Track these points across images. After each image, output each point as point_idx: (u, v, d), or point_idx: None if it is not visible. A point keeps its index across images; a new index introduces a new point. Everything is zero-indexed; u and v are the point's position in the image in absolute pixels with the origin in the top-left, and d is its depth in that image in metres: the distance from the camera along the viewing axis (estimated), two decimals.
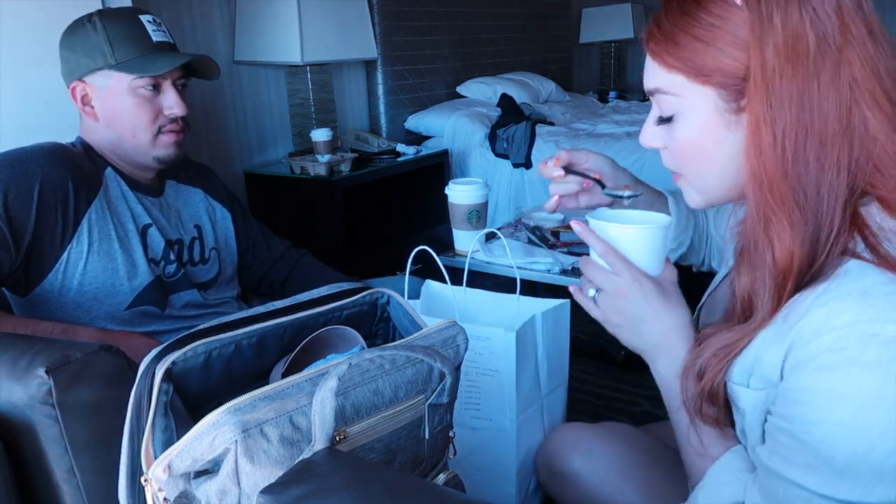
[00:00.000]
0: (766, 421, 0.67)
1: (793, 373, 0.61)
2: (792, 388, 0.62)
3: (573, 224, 0.82)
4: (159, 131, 1.22)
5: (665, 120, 0.72)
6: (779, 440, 0.64)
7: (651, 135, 0.75)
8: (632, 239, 0.79)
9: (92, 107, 1.21)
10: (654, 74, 0.70)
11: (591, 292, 0.80)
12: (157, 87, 1.21)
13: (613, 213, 0.88)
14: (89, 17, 1.20)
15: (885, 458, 0.56)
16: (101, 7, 1.55)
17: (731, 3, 0.64)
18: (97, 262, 1.15)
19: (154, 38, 1.21)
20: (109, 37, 1.18)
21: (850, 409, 0.57)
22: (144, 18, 1.21)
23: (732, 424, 0.74)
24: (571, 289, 0.84)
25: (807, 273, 0.62)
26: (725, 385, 0.70)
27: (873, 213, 0.63)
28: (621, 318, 0.78)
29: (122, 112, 1.20)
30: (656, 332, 0.77)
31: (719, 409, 0.72)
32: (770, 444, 0.65)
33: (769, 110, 0.62)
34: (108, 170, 1.22)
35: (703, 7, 0.66)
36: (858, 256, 0.61)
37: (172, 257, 1.25)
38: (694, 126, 0.69)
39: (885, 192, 0.62)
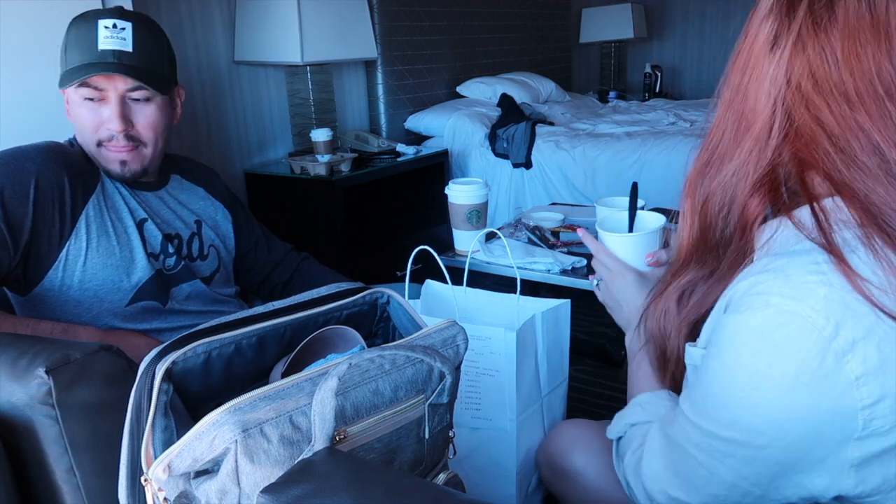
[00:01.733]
0: None
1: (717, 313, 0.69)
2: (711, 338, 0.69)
3: (578, 231, 1.09)
4: (99, 145, 1.18)
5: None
6: (688, 383, 0.73)
7: None
8: (620, 243, 1.02)
9: (69, 106, 1.21)
10: None
11: (595, 281, 1.04)
12: (101, 98, 1.16)
13: (619, 216, 1.10)
14: (72, 19, 1.19)
15: (743, 409, 0.63)
16: (100, 7, 1.56)
17: None
18: (96, 259, 1.15)
19: (100, 46, 1.14)
20: (67, 42, 1.16)
21: (728, 361, 0.63)
22: (103, 23, 1.15)
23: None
24: (591, 278, 1.06)
25: (715, 224, 0.71)
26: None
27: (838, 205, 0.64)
28: (611, 301, 1.00)
29: (75, 119, 1.19)
30: (631, 311, 0.96)
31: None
32: (684, 387, 0.75)
33: (722, 96, 0.69)
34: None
35: None
36: (801, 228, 0.63)
37: (171, 250, 1.25)
38: None
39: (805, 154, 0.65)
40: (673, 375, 0.82)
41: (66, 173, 1.13)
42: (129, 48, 1.16)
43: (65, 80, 1.15)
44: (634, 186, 1.18)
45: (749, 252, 0.69)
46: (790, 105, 0.63)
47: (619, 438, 0.87)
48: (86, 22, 1.16)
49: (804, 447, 0.61)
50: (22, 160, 1.11)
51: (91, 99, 1.15)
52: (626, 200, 1.15)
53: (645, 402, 0.87)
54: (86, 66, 1.14)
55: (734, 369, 0.63)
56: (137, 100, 1.18)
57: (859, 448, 0.59)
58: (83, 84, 1.14)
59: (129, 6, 1.60)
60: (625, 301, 0.97)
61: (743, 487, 0.66)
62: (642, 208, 1.45)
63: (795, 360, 0.58)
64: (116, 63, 1.14)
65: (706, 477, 0.68)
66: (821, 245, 0.60)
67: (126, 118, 1.17)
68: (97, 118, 1.16)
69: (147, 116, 1.19)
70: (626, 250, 1.01)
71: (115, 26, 1.15)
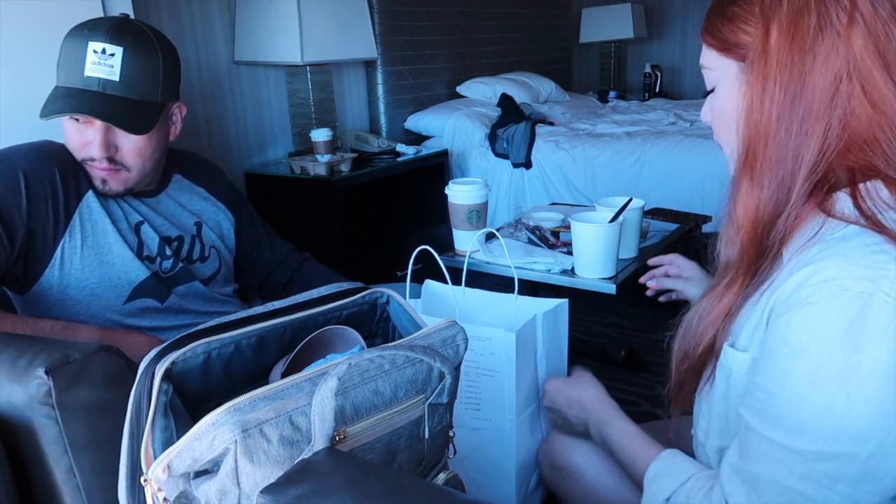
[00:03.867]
0: None
1: (769, 326, 0.65)
2: (767, 340, 0.65)
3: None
4: (83, 163, 1.16)
5: (709, 93, 0.78)
6: (755, 395, 0.66)
7: (704, 110, 0.81)
8: (582, 232, 1.33)
9: None
10: (703, 54, 0.77)
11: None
12: (87, 119, 1.13)
13: (589, 215, 1.39)
14: (69, 31, 1.16)
15: (844, 412, 0.58)
16: (101, 8, 1.56)
17: None
18: (92, 257, 1.15)
19: (86, 72, 1.11)
20: (60, 57, 1.15)
21: (814, 361, 0.59)
22: (93, 47, 1.11)
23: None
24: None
25: (770, 231, 0.68)
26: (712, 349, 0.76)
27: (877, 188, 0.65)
28: (567, 405, 1.04)
29: (64, 132, 1.17)
30: (590, 399, 1.02)
31: (692, 391, 0.80)
32: (748, 400, 0.68)
33: (763, 80, 0.68)
34: None
35: None
36: (845, 219, 0.64)
37: (169, 253, 1.25)
38: (723, 96, 0.74)
39: (860, 163, 0.66)
40: (684, 402, 0.81)
41: (57, 170, 1.13)
42: (116, 77, 1.12)
43: (46, 106, 1.12)
44: (629, 201, 1.38)
45: (779, 254, 0.69)
46: (849, 91, 0.65)
47: None
48: (78, 40, 1.13)
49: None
50: (11, 158, 1.12)
51: (77, 119, 1.14)
52: (624, 200, 1.30)
53: (664, 470, 0.81)
54: (69, 93, 1.12)
55: (822, 369, 0.59)
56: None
57: None
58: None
59: (128, 8, 1.60)
60: (583, 396, 1.02)
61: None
62: (643, 208, 1.53)
63: (884, 342, 0.57)
64: (98, 94, 1.12)
65: None
66: (870, 227, 0.61)
67: (109, 145, 1.15)
68: (82, 138, 1.15)
69: (132, 143, 1.16)
70: (589, 239, 1.33)
71: (104, 52, 1.12)
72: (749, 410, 0.67)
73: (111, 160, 1.16)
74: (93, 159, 1.15)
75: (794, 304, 0.61)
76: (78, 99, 1.11)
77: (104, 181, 1.17)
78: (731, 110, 0.73)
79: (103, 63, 1.12)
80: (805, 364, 0.60)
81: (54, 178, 1.13)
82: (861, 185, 0.65)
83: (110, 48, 1.12)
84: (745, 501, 0.66)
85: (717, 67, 0.74)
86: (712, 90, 0.77)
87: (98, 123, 1.13)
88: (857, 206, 0.63)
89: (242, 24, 2.44)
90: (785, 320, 0.62)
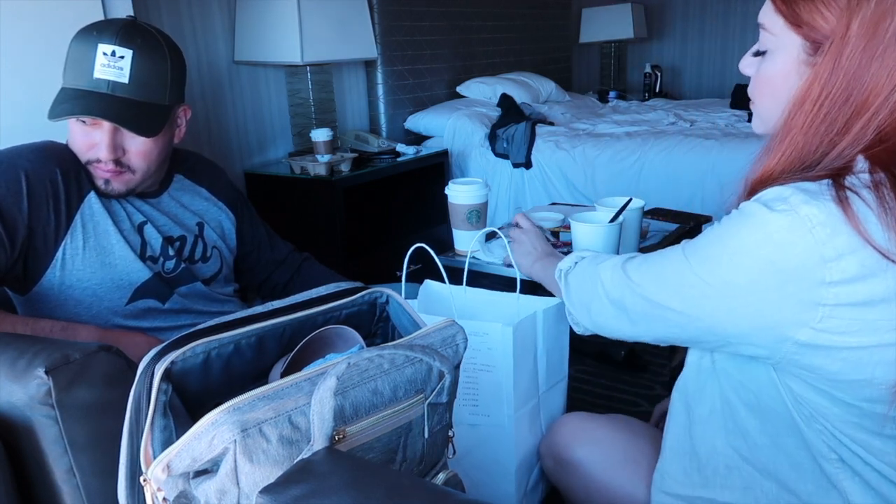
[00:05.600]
0: None
1: None
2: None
3: (517, 216, 1.36)
4: (88, 164, 1.17)
5: (760, 53, 0.80)
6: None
7: (748, 63, 0.83)
8: (582, 232, 1.33)
9: None
10: (765, 11, 0.77)
11: (507, 240, 1.29)
12: (94, 122, 1.13)
13: (589, 215, 1.40)
14: (77, 32, 1.16)
15: (691, 284, 0.76)
16: (101, 9, 1.56)
17: None
18: (94, 258, 1.15)
19: (95, 74, 1.12)
20: (67, 59, 1.15)
21: (707, 239, 0.76)
22: (102, 49, 1.11)
23: None
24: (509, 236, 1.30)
25: None
26: None
27: None
28: (523, 249, 1.25)
29: (69, 133, 1.18)
30: (545, 250, 1.23)
31: None
32: None
33: (829, 72, 0.71)
34: None
35: None
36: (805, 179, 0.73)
37: (171, 253, 1.25)
38: (777, 65, 0.77)
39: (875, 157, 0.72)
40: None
41: (59, 170, 1.13)
42: (125, 79, 1.13)
43: (55, 107, 1.13)
44: (629, 201, 1.43)
45: None
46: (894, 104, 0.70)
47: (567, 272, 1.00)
48: (87, 42, 1.13)
49: (755, 323, 0.72)
50: (12, 158, 1.12)
51: (84, 121, 1.14)
52: (624, 200, 1.33)
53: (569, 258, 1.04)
54: (78, 95, 1.12)
55: (731, 235, 0.72)
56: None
57: (808, 335, 0.69)
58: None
59: (129, 9, 1.60)
60: (539, 245, 1.24)
61: (675, 335, 0.81)
62: (643, 208, 1.53)
63: (783, 247, 0.67)
64: (107, 96, 1.12)
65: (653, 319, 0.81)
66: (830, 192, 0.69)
67: (117, 147, 1.15)
68: (88, 140, 1.15)
69: (139, 146, 1.17)
70: (588, 237, 1.33)
71: (113, 54, 1.12)
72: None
73: (117, 162, 1.16)
74: (99, 161, 1.15)
75: (756, 198, 0.72)
76: (87, 101, 1.12)
77: (107, 182, 1.17)
78: (781, 81, 0.77)
79: (113, 65, 1.12)
80: (725, 227, 0.74)
81: (56, 178, 1.13)
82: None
83: (120, 51, 1.12)
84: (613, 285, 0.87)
85: (778, 35, 0.76)
86: (763, 52, 0.79)
87: (106, 125, 1.13)
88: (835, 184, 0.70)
89: (242, 24, 2.44)
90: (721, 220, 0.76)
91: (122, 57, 1.13)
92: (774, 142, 0.76)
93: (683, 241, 0.81)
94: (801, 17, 0.73)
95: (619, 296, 0.86)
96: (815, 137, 0.73)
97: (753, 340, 0.73)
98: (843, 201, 0.67)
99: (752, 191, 0.76)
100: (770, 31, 0.77)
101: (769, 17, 0.77)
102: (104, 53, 1.12)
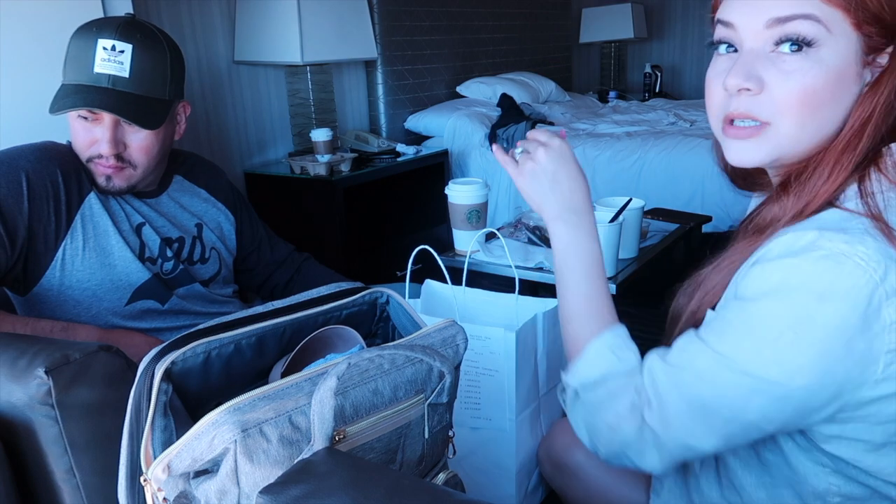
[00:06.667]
0: None
1: (745, 271, 0.67)
2: (739, 286, 0.67)
3: (493, 148, 0.95)
4: (88, 161, 1.17)
5: (797, 48, 0.65)
6: (711, 321, 0.69)
7: (757, 70, 0.67)
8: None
9: None
10: (805, 2, 0.65)
11: (518, 150, 0.89)
12: (96, 117, 1.14)
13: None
14: (76, 30, 1.17)
15: (787, 349, 0.61)
16: (101, 8, 1.56)
17: None
18: (94, 259, 1.15)
19: (95, 69, 1.12)
20: (67, 56, 1.15)
21: (777, 301, 0.62)
22: (102, 44, 1.12)
23: None
24: (494, 147, 0.94)
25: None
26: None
27: None
28: (547, 175, 0.85)
29: (71, 131, 1.18)
30: (581, 194, 0.85)
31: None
32: (702, 325, 0.71)
33: None
34: None
35: None
36: (838, 206, 0.66)
37: (170, 254, 1.25)
38: (831, 67, 0.65)
39: None
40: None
41: (59, 171, 1.13)
42: (126, 73, 1.13)
43: (56, 102, 1.13)
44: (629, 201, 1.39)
45: None
46: None
47: (576, 391, 0.79)
48: (87, 38, 1.13)
49: (831, 388, 0.62)
50: (13, 158, 1.12)
51: (85, 117, 1.14)
52: (624, 200, 1.32)
53: (616, 348, 0.78)
54: (79, 89, 1.12)
55: (784, 309, 0.61)
56: (132, 123, 1.15)
57: (871, 389, 0.61)
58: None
59: (129, 8, 1.60)
60: (576, 178, 0.85)
61: (760, 427, 0.66)
62: (643, 208, 1.54)
63: (848, 299, 0.59)
64: (108, 90, 1.12)
65: (728, 418, 0.65)
66: (864, 214, 0.64)
67: (118, 142, 1.15)
68: (90, 136, 1.15)
69: (140, 141, 1.17)
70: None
71: (113, 48, 1.12)
72: (701, 328, 0.70)
73: (118, 157, 1.16)
74: (100, 156, 1.15)
75: (771, 256, 0.64)
76: (88, 94, 1.12)
77: (108, 178, 1.17)
78: (838, 89, 0.66)
79: (113, 60, 1.12)
80: (768, 303, 0.63)
81: (56, 179, 1.13)
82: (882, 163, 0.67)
83: (120, 45, 1.13)
84: (676, 398, 0.68)
85: (834, 31, 0.64)
86: (797, 48, 0.65)
87: (107, 120, 1.13)
88: (861, 188, 0.66)
89: (242, 24, 2.44)
90: (759, 268, 0.64)
91: (122, 51, 1.13)
92: (814, 172, 0.67)
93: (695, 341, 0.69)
94: (868, 10, 0.64)
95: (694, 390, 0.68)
96: (873, 139, 0.66)
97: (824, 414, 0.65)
98: (882, 227, 0.61)
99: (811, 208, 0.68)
100: (823, 23, 0.64)
101: (819, 9, 0.64)
102: (104, 48, 1.12)
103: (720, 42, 0.71)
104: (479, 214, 1.63)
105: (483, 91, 3.37)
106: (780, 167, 0.74)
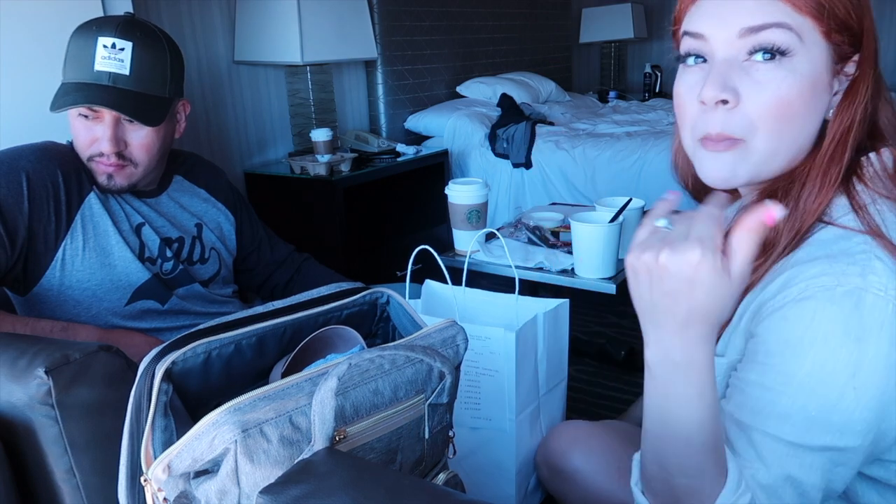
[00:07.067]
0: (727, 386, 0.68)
1: (760, 325, 0.63)
2: (761, 340, 0.64)
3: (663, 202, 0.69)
4: (89, 160, 1.17)
5: (770, 57, 0.64)
6: (749, 394, 0.64)
7: (733, 80, 0.65)
8: (582, 232, 1.33)
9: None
10: (778, 11, 0.64)
11: (662, 222, 0.62)
12: (97, 116, 1.14)
13: (589, 215, 1.41)
14: (75, 29, 1.17)
15: (853, 407, 0.59)
16: (101, 7, 1.56)
17: None
18: (94, 259, 1.15)
19: (96, 67, 1.12)
20: (67, 54, 1.15)
21: (819, 356, 0.59)
22: (102, 42, 1.12)
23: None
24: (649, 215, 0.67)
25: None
26: None
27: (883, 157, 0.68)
28: (673, 281, 0.57)
29: (72, 129, 1.18)
30: (716, 308, 0.57)
31: None
32: (739, 398, 0.65)
33: (869, 72, 0.66)
34: None
35: None
36: (831, 223, 0.65)
37: (169, 254, 1.25)
38: (805, 76, 0.64)
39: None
40: None
41: (60, 171, 1.13)
42: (126, 71, 1.13)
43: (56, 100, 1.13)
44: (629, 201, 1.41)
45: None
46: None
47: None
48: (87, 36, 1.13)
49: (891, 428, 0.61)
50: (14, 159, 1.12)
51: (85, 116, 1.14)
52: (624, 200, 1.35)
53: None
54: (80, 87, 1.12)
55: (829, 365, 0.59)
56: (132, 122, 1.16)
57: None
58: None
59: (129, 8, 1.60)
60: (720, 288, 0.55)
61: (838, 489, 0.63)
62: (643, 208, 1.54)
63: (883, 334, 0.58)
64: (109, 87, 1.12)
65: (819, 497, 0.62)
66: (863, 231, 0.63)
67: (119, 139, 1.15)
68: (90, 135, 1.15)
69: (141, 138, 1.17)
70: (594, 238, 1.33)
71: (113, 46, 1.12)
72: (741, 409, 0.64)
73: (119, 155, 1.16)
74: (101, 155, 1.15)
75: (786, 301, 0.61)
76: (89, 92, 1.12)
77: (110, 176, 1.17)
78: (812, 99, 0.65)
79: (113, 57, 1.12)
80: (810, 360, 0.60)
81: (57, 179, 1.13)
82: (867, 161, 0.67)
83: (120, 43, 1.13)
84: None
85: (806, 41, 0.64)
86: (771, 57, 0.63)
87: (108, 118, 1.13)
88: (851, 202, 0.65)
89: (242, 24, 2.44)
90: (780, 317, 0.62)
91: (122, 49, 1.13)
92: (802, 188, 0.66)
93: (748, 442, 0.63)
94: (837, 17, 0.64)
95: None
96: (846, 168, 0.66)
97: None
98: (885, 244, 0.61)
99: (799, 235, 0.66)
100: (796, 32, 0.64)
101: (792, 18, 0.63)
102: (104, 46, 1.12)
103: (689, 54, 0.69)
104: (479, 214, 1.63)
105: (483, 91, 3.37)
106: (755, 185, 0.73)
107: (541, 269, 1.57)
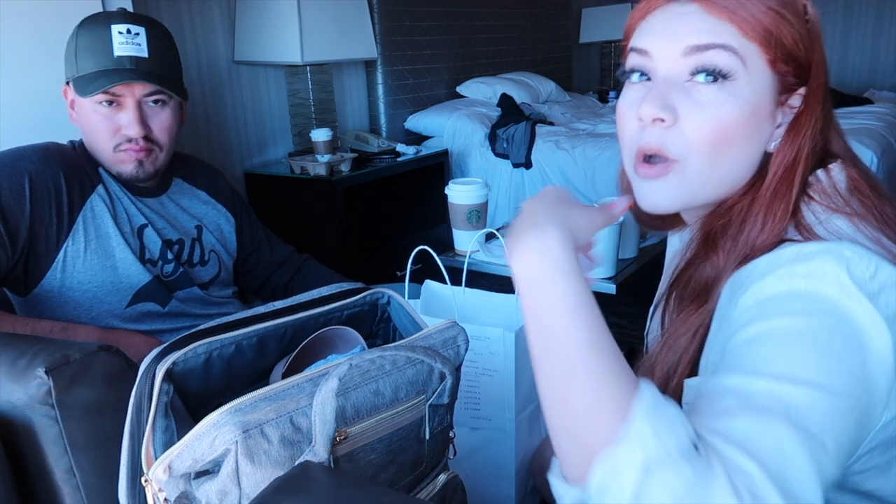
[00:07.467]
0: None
1: (742, 321, 0.56)
2: (746, 335, 0.55)
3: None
4: (116, 149, 1.18)
5: (712, 80, 0.62)
6: (743, 357, 0.54)
7: (672, 99, 0.63)
8: None
9: (75, 112, 1.21)
10: (725, 32, 0.62)
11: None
12: (117, 104, 1.16)
13: None
14: (79, 23, 1.18)
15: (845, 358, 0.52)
16: (101, 8, 1.56)
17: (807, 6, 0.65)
18: (95, 261, 1.15)
19: (116, 52, 1.14)
20: (77, 48, 1.16)
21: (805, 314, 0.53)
22: (116, 28, 1.15)
23: None
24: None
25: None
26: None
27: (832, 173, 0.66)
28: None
29: (86, 125, 1.18)
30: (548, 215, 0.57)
31: None
32: (731, 364, 0.54)
33: (817, 107, 0.65)
34: (102, 170, 1.22)
35: None
36: (791, 240, 0.62)
37: (170, 256, 1.25)
38: (746, 102, 0.63)
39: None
40: None
41: (62, 173, 1.14)
42: (145, 54, 1.16)
43: (85, 89, 1.14)
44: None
45: None
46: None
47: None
48: (98, 27, 1.15)
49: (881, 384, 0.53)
50: (17, 160, 1.12)
51: (109, 103, 1.15)
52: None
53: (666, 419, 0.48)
54: (105, 73, 1.14)
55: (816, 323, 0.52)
56: (153, 105, 1.19)
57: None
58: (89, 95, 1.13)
59: (129, 8, 1.60)
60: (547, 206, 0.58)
61: (859, 442, 0.55)
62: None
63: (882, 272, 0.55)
64: (135, 70, 1.15)
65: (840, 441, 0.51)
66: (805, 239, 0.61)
67: (144, 123, 1.18)
68: (113, 124, 1.16)
69: (163, 121, 1.20)
70: (596, 238, 1.22)
71: (129, 31, 1.15)
72: (737, 373, 0.52)
73: (147, 139, 1.18)
74: (129, 140, 1.17)
75: (751, 278, 0.58)
76: (119, 74, 1.14)
77: (140, 163, 1.19)
78: (754, 127, 0.64)
79: (131, 42, 1.15)
80: (795, 316, 0.53)
81: (59, 180, 1.13)
82: (816, 179, 0.65)
83: (134, 28, 1.16)
84: (800, 448, 0.47)
85: (750, 66, 0.63)
86: (713, 80, 0.62)
87: (130, 103, 1.16)
88: (797, 224, 0.63)
89: (242, 24, 2.44)
90: (754, 289, 0.57)
91: (137, 34, 1.17)
92: (742, 225, 0.64)
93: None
94: (783, 46, 0.63)
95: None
96: (800, 176, 0.64)
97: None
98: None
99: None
100: (740, 56, 0.62)
101: (738, 41, 0.62)
102: (120, 32, 1.15)
103: (633, 70, 0.69)
104: (479, 214, 1.63)
105: (483, 91, 3.37)
106: (693, 210, 0.71)
107: None
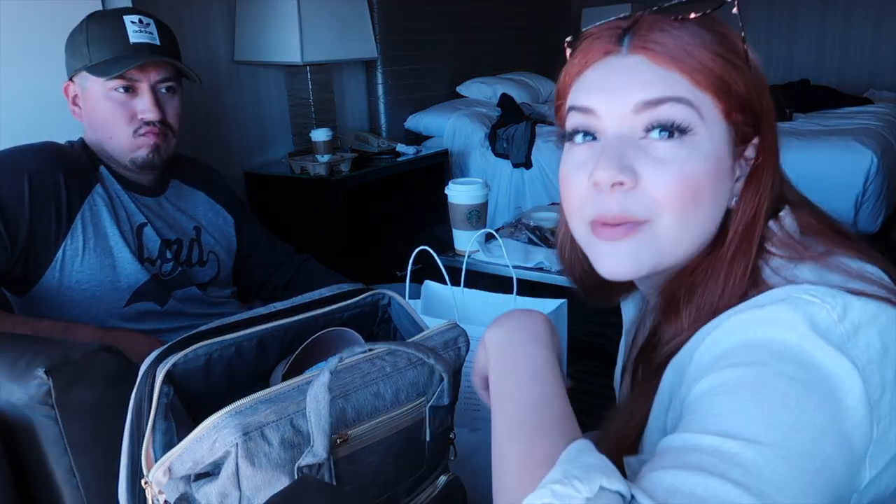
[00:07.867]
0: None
1: (696, 377, 0.53)
2: (697, 391, 0.52)
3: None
4: (135, 134, 1.20)
5: (668, 136, 0.57)
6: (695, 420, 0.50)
7: (629, 159, 0.57)
8: None
9: (80, 107, 1.22)
10: (676, 84, 0.57)
11: None
12: (132, 90, 1.19)
13: None
14: (87, 16, 1.21)
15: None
16: (100, 7, 1.56)
17: (748, 51, 0.60)
18: (93, 260, 1.15)
19: (132, 40, 1.19)
20: (89, 38, 1.18)
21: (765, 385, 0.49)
22: (129, 19, 1.19)
23: None
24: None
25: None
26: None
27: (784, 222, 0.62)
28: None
29: (99, 114, 1.20)
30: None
31: None
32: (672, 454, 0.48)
33: (774, 157, 0.61)
34: (103, 168, 1.22)
35: (729, 37, 0.60)
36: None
37: (169, 256, 1.25)
38: (709, 155, 0.58)
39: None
40: None
41: (62, 172, 1.14)
42: (158, 42, 1.22)
43: (107, 72, 1.16)
44: None
45: None
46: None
47: None
48: (109, 18, 1.20)
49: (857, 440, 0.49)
50: (16, 159, 1.12)
51: (125, 90, 1.18)
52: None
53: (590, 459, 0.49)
54: (123, 59, 1.16)
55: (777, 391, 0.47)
56: (165, 92, 1.22)
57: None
58: (119, 76, 1.16)
59: (122, 6, 1.60)
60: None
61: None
62: None
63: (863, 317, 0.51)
64: (154, 54, 1.20)
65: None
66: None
67: (160, 107, 1.21)
68: (128, 110, 1.19)
69: (175, 107, 1.25)
70: None
71: (140, 21, 1.20)
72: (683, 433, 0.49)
73: (163, 122, 1.22)
74: (147, 124, 1.20)
75: (705, 366, 0.53)
76: (140, 56, 1.18)
77: (156, 147, 1.22)
78: (717, 181, 0.59)
79: (144, 30, 1.20)
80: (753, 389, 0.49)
81: (58, 180, 1.13)
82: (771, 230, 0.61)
83: (145, 19, 1.22)
84: None
85: (707, 119, 0.58)
86: (669, 135, 0.57)
87: (145, 88, 1.19)
88: (756, 282, 0.58)
89: (242, 24, 2.44)
90: (709, 340, 0.54)
91: (148, 24, 1.22)
92: (705, 289, 0.59)
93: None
94: (738, 96, 0.58)
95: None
96: (754, 261, 0.59)
97: None
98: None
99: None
100: (695, 108, 0.57)
101: (692, 93, 0.57)
102: (132, 22, 1.20)
103: (576, 131, 0.62)
104: (478, 214, 1.63)
105: (483, 91, 3.37)
106: (651, 277, 0.64)
107: (541, 268, 1.57)
